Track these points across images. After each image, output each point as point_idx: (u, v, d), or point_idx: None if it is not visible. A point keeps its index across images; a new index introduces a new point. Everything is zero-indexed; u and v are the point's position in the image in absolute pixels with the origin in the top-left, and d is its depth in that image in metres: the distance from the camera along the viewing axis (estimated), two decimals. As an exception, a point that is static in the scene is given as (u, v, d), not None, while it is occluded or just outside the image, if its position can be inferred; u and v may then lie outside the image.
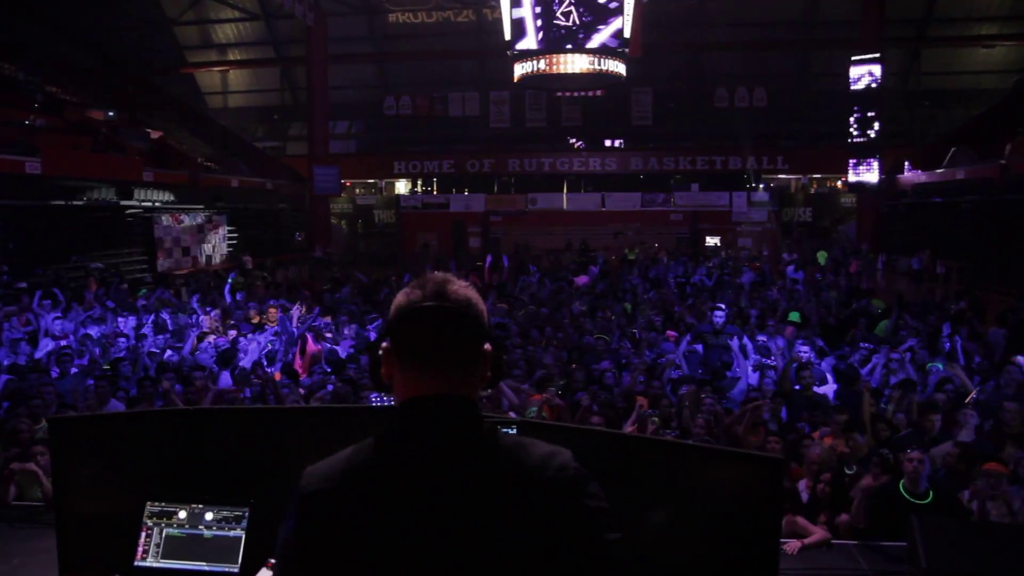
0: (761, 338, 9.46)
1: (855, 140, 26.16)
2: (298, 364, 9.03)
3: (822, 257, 21.69)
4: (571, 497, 1.35)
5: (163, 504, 2.57)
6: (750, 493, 2.23)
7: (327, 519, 1.34)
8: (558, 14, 20.55)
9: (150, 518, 2.55)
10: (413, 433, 1.39)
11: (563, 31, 20.67)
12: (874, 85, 25.36)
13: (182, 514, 2.55)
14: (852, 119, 26.04)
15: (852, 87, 25.79)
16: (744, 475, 2.27)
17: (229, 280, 14.89)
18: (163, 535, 2.54)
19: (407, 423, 1.40)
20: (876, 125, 25.83)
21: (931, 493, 4.73)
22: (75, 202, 18.27)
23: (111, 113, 23.17)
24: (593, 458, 2.57)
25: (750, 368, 8.21)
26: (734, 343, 8.59)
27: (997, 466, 4.85)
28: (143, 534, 2.54)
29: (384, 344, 1.46)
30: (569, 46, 20.79)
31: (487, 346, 1.45)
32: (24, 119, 18.95)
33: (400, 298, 1.45)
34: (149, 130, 24.23)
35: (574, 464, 1.39)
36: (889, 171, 27.05)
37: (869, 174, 26.23)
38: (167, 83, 33.09)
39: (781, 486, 2.33)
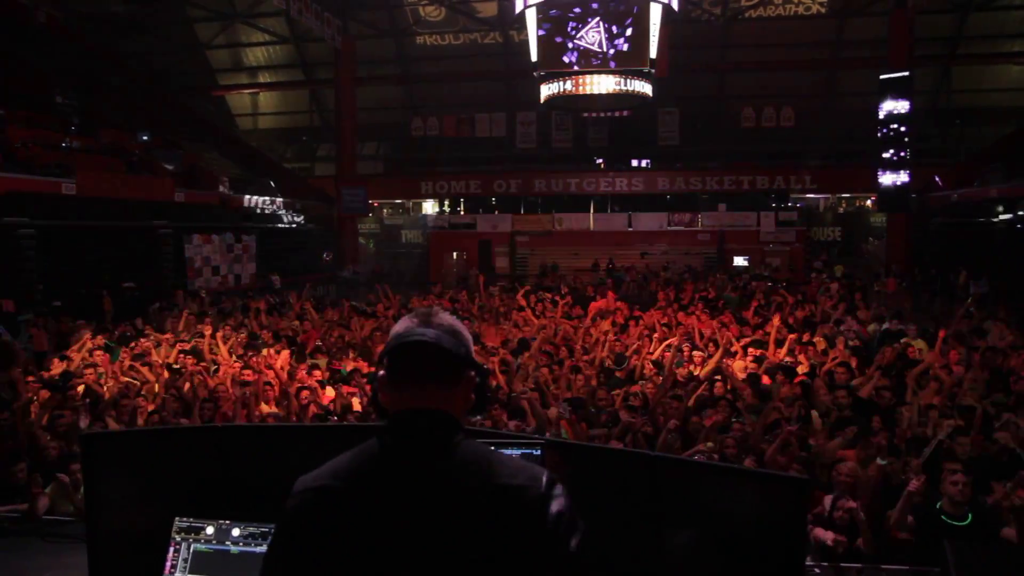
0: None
1: (884, 159, 25.90)
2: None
3: (838, 270, 22.83)
4: (533, 507, 1.46)
5: (191, 520, 2.59)
6: (774, 514, 2.22)
7: (320, 514, 1.48)
8: (585, 36, 20.66)
9: (178, 533, 2.58)
10: (394, 442, 1.54)
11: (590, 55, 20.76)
12: (903, 107, 25.14)
13: (209, 530, 2.58)
14: (880, 134, 25.78)
15: (880, 106, 25.59)
16: (768, 496, 2.25)
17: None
18: (191, 550, 2.56)
19: (390, 433, 1.55)
20: (906, 140, 25.58)
21: (970, 516, 4.64)
22: (109, 222, 18.60)
23: (144, 137, 23.61)
24: (617, 478, 2.57)
25: None
26: None
27: None
28: (171, 549, 2.56)
29: (381, 372, 1.62)
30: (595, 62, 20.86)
31: (471, 373, 1.61)
32: (60, 141, 19.37)
33: (395, 328, 1.63)
34: (181, 151, 24.66)
35: (543, 477, 1.50)
36: (920, 190, 26.74)
37: (899, 195, 25.97)
38: (199, 105, 33.69)
39: (805, 507, 2.31)
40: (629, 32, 20.64)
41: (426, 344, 1.55)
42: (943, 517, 4.65)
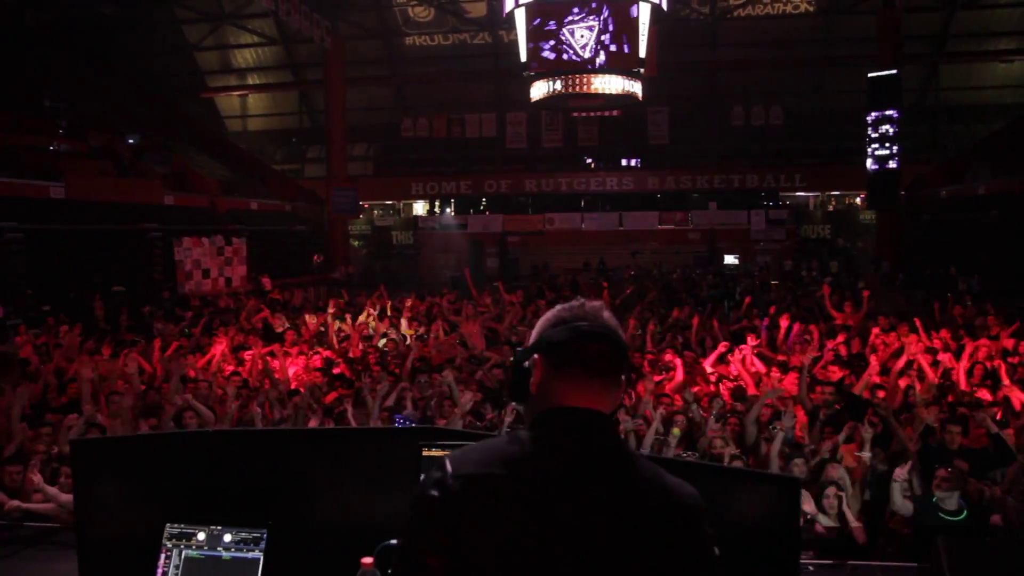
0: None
1: (873, 156, 26.00)
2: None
3: (833, 267, 23.61)
4: (698, 522, 1.45)
5: (182, 526, 2.57)
6: (768, 514, 2.22)
7: (485, 501, 1.40)
8: (575, 36, 20.69)
9: (169, 539, 2.56)
10: (565, 439, 1.47)
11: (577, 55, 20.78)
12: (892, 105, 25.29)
13: (201, 536, 2.56)
14: (869, 132, 25.88)
15: (868, 104, 25.71)
16: (761, 496, 2.25)
17: None
18: (182, 556, 2.54)
19: (559, 429, 1.48)
20: (894, 138, 25.66)
21: (965, 511, 4.69)
22: (98, 226, 18.50)
23: (131, 140, 23.49)
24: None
25: None
26: None
27: None
28: (162, 555, 2.55)
29: (536, 356, 1.54)
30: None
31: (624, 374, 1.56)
32: (49, 144, 19.25)
33: (560, 314, 1.55)
34: (170, 154, 24.54)
35: (700, 496, 1.49)
36: (908, 187, 26.85)
37: (888, 192, 26.07)
38: (188, 107, 33.56)
39: (799, 507, 2.31)
40: (618, 32, 20.67)
41: (608, 338, 1.50)
42: (940, 513, 4.68)
